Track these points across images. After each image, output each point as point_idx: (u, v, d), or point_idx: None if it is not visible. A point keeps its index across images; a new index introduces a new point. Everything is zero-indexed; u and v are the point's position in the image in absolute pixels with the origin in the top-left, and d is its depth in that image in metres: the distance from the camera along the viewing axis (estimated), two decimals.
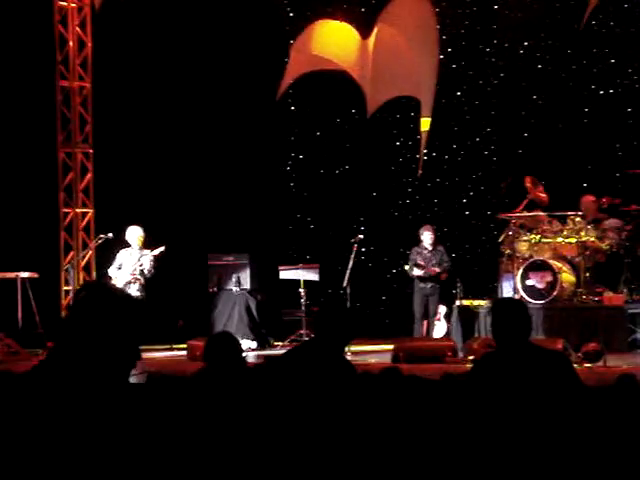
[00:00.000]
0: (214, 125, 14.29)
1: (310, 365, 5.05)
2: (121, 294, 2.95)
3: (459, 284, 12.70)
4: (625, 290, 12.32)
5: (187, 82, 14.05)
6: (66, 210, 13.52)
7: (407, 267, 12.42)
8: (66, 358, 2.75)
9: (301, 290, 13.12)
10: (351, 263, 12.11)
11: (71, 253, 13.43)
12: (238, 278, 13.07)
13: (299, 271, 13.23)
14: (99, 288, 2.94)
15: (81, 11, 13.59)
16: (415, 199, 14.77)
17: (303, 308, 13.05)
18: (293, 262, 13.53)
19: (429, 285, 12.30)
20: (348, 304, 11.32)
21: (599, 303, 12.15)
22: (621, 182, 13.37)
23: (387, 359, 10.93)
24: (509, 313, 5.26)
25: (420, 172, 14.07)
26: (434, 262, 12.30)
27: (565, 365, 5.28)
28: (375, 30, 13.05)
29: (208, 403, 5.12)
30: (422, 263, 12.23)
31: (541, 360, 5.18)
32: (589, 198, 12.69)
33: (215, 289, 13.20)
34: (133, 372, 2.97)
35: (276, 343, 13.02)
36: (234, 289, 13.08)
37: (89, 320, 2.77)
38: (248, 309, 13.02)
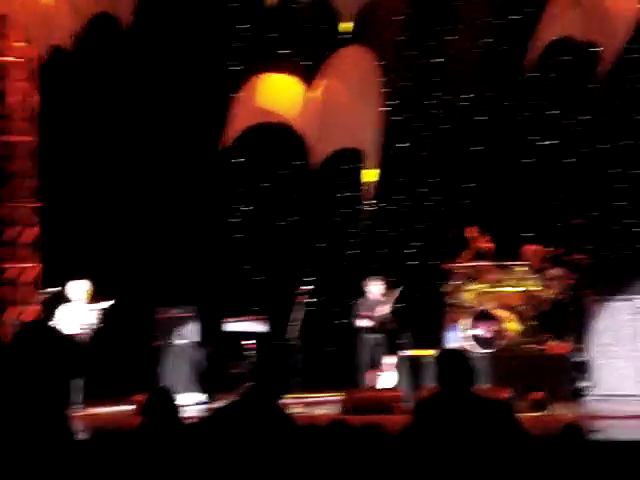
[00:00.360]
0: (159, 178, 14.26)
1: (244, 418, 5.05)
2: (60, 333, 2.94)
3: (407, 334, 12.73)
4: (570, 339, 12.44)
5: (133, 135, 14.04)
6: (9, 265, 13.36)
7: (353, 318, 12.44)
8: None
9: (245, 342, 13.02)
10: (300, 314, 12.08)
11: (17, 307, 13.26)
12: (185, 331, 12.97)
13: (245, 323, 13.15)
14: (38, 325, 2.93)
15: (28, 64, 13.52)
16: (362, 250, 14.82)
17: (248, 361, 12.95)
18: (240, 314, 13.44)
19: (375, 336, 12.29)
20: (298, 355, 11.34)
21: (544, 352, 12.24)
22: (563, 232, 13.54)
23: (336, 410, 10.92)
24: (452, 363, 5.32)
25: (365, 222, 14.12)
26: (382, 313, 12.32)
27: (508, 414, 5.31)
28: (319, 82, 13.13)
29: (145, 459, 5.09)
30: (366, 314, 12.23)
31: (484, 409, 5.22)
32: (533, 248, 12.83)
33: (162, 343, 13.09)
34: None
35: (223, 396, 12.89)
36: (181, 342, 12.97)
37: (26, 354, 2.74)
38: (196, 362, 12.92)
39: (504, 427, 5.18)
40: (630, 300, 11.86)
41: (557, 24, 11.35)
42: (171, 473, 5.00)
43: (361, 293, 12.58)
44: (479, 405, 5.25)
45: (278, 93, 13.21)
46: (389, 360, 12.45)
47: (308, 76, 13.37)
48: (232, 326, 13.23)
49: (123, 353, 13.13)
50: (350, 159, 13.99)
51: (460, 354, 5.68)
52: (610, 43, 11.28)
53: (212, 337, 13.41)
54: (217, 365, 13.23)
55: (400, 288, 12.12)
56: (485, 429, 5.11)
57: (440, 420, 5.19)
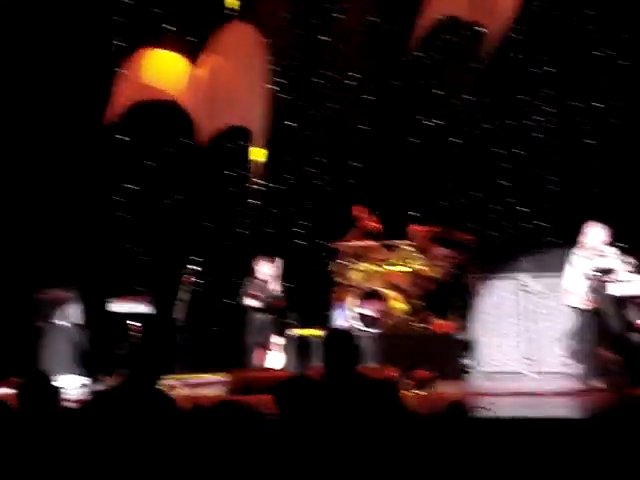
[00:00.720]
0: (41, 155, 13.89)
1: (125, 401, 4.93)
2: None
3: (294, 314, 12.70)
4: (454, 317, 12.58)
5: (14, 110, 13.63)
6: None
7: (241, 297, 12.33)
8: None
9: (131, 323, 12.80)
10: (186, 294, 11.92)
11: None
12: (66, 312, 12.69)
13: (130, 304, 12.92)
14: None
15: None
16: (250, 229, 14.72)
17: (134, 341, 12.73)
18: (124, 294, 13.20)
19: (263, 315, 12.21)
20: (184, 335, 11.21)
21: (429, 330, 12.35)
22: (448, 211, 13.67)
23: (222, 391, 10.82)
24: (339, 344, 5.30)
25: (253, 202, 14.03)
26: (270, 292, 12.24)
27: (392, 394, 5.31)
28: (204, 59, 12.96)
29: (20, 444, 4.93)
30: (257, 293, 12.14)
31: (369, 389, 5.22)
32: (418, 227, 12.92)
33: (42, 324, 12.78)
34: None
35: (106, 378, 12.66)
36: (62, 323, 12.69)
37: None
38: (77, 344, 12.65)
39: (389, 407, 5.17)
40: (514, 278, 12.01)
41: (442, 3, 11.41)
42: (48, 459, 4.84)
43: (250, 272, 12.47)
44: (364, 385, 5.24)
45: (163, 69, 12.99)
46: (277, 340, 12.41)
47: (194, 53, 13.19)
48: (117, 307, 13.00)
49: (2, 334, 12.78)
50: (238, 137, 13.87)
51: (346, 334, 5.67)
52: (494, 23, 11.38)
53: (96, 318, 13.16)
54: (101, 347, 12.98)
55: (278, 260, 12.03)
56: (370, 409, 5.09)
57: (325, 401, 5.15)
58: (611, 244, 10.47)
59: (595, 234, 10.40)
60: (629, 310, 10.23)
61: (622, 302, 9.90)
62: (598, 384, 10.04)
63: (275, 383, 5.29)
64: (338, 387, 5.20)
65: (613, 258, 10.26)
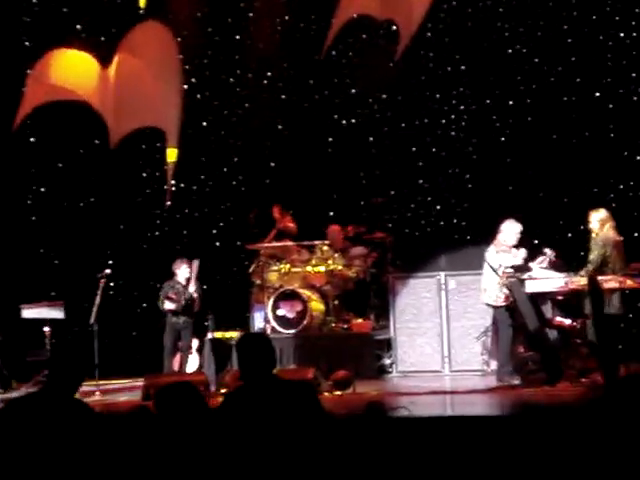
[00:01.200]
0: None
1: (40, 409, 4.79)
2: None
3: (211, 316, 12.58)
4: (372, 317, 12.58)
5: None
6: None
7: (160, 301, 12.15)
8: None
9: (45, 329, 12.54)
10: (98, 299, 11.69)
11: None
12: None
13: (43, 309, 12.65)
14: None
15: None
16: (165, 231, 14.53)
17: (48, 348, 12.47)
18: (36, 300, 12.91)
19: (181, 319, 12.03)
20: (95, 342, 11.01)
21: (348, 330, 12.34)
22: (365, 210, 13.67)
23: (138, 396, 10.64)
24: (253, 348, 5.24)
25: (168, 203, 13.86)
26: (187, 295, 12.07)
27: (310, 395, 5.25)
28: (115, 59, 12.76)
29: None
30: (175, 296, 11.96)
31: (286, 391, 5.16)
32: (335, 227, 12.90)
33: None
34: None
35: (20, 385, 12.38)
36: None
37: None
38: None
39: (307, 408, 5.11)
40: (432, 277, 12.05)
41: (355, 2, 11.39)
42: None
43: (167, 275, 12.27)
44: (281, 387, 5.18)
45: (73, 70, 12.75)
46: (193, 343, 12.27)
47: (105, 52, 12.97)
48: (29, 312, 12.72)
49: None
50: (153, 138, 13.69)
51: (260, 337, 5.62)
52: (407, 22, 11.40)
53: (8, 324, 12.86)
54: (14, 354, 12.69)
55: (197, 261, 11.88)
56: (288, 411, 5.03)
57: (246, 404, 5.08)
58: (525, 241, 10.55)
59: (510, 231, 10.47)
60: (545, 307, 10.32)
61: (538, 299, 9.97)
62: (516, 381, 10.10)
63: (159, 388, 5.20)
64: (254, 390, 5.13)
65: (524, 256, 10.35)
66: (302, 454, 4.91)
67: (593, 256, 9.49)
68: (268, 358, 5.26)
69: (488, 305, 10.60)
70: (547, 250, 10.07)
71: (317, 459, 4.95)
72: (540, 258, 10.07)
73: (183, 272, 11.93)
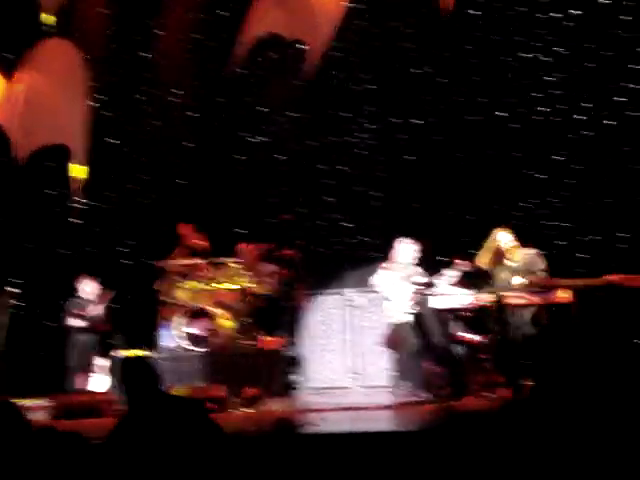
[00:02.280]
0: None
1: None
2: None
3: (118, 335, 12.46)
4: (282, 334, 12.60)
5: None
6: None
7: (66, 318, 12.01)
8: None
9: None
10: (5, 318, 11.52)
11: None
12: None
13: None
14: None
15: None
16: (71, 249, 14.36)
17: None
18: None
19: (87, 336, 11.90)
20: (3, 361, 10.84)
21: (258, 348, 12.32)
22: (274, 228, 13.69)
23: (44, 416, 10.48)
24: (135, 371, 5.30)
25: (74, 221, 13.70)
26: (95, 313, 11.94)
27: (200, 412, 5.30)
28: (20, 75, 12.58)
29: None
30: (80, 313, 11.84)
31: (177, 409, 5.20)
32: (244, 245, 12.89)
33: None
34: None
35: None
36: None
37: None
38: None
39: (198, 425, 5.14)
40: (340, 294, 12.12)
41: (263, 21, 11.44)
42: None
43: (72, 293, 12.14)
44: (171, 405, 5.22)
45: None
46: (101, 362, 12.13)
47: (9, 69, 12.79)
48: None
49: None
50: (59, 155, 13.53)
51: (141, 360, 5.68)
52: (315, 40, 11.48)
53: None
54: None
55: (113, 292, 11.81)
56: (179, 430, 5.06)
57: (137, 428, 5.09)
58: (421, 259, 10.71)
59: (404, 250, 10.63)
60: (450, 322, 10.47)
61: (443, 315, 10.12)
62: (423, 396, 10.22)
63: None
64: (142, 414, 5.15)
65: (420, 274, 10.51)
66: (196, 471, 4.92)
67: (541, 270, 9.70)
68: (151, 379, 5.31)
69: (391, 321, 10.70)
70: (459, 261, 10.23)
71: (216, 476, 4.96)
72: (451, 271, 10.21)
73: (86, 289, 11.83)
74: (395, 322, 10.61)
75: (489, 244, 10.05)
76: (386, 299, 10.60)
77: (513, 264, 9.89)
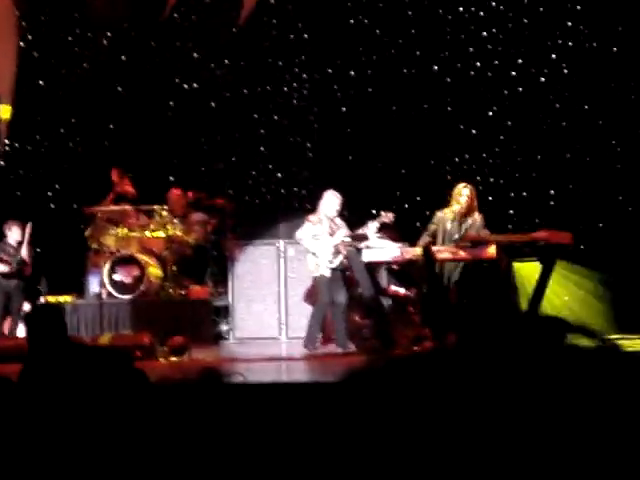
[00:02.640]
0: None
1: None
2: None
3: (43, 279, 12.31)
4: (210, 283, 12.56)
5: None
6: None
7: None
8: None
9: None
10: None
11: None
12: None
13: None
14: None
15: None
16: None
17: None
18: None
19: (13, 282, 11.72)
20: None
21: (185, 297, 12.27)
22: (205, 176, 13.59)
23: None
24: (44, 319, 5.33)
25: (1, 163, 13.45)
26: (19, 257, 11.73)
27: (122, 361, 5.27)
28: None
29: None
30: (6, 258, 11.64)
31: (83, 360, 5.21)
32: (176, 192, 12.78)
33: None
34: None
35: None
36: None
37: None
38: None
39: (113, 376, 5.10)
40: (271, 245, 12.10)
41: None
42: None
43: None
44: (78, 356, 5.22)
45: None
46: (25, 307, 11.99)
47: None
48: None
49: None
50: None
51: (52, 308, 5.70)
52: None
53: None
54: None
55: (29, 224, 11.58)
56: (87, 379, 5.04)
57: (46, 375, 5.08)
58: (349, 210, 10.72)
59: (329, 202, 10.56)
60: (380, 275, 10.50)
61: (373, 267, 10.14)
62: (351, 348, 10.26)
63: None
64: (45, 362, 5.13)
65: (341, 226, 10.48)
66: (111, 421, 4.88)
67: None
68: (58, 328, 5.32)
69: (317, 273, 10.66)
70: (382, 213, 10.20)
71: (134, 426, 4.91)
72: (374, 222, 10.17)
73: (14, 234, 11.62)
74: (316, 275, 10.56)
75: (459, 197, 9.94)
76: (309, 252, 10.56)
77: (465, 224, 9.87)
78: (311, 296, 11.22)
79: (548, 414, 3.51)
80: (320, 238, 10.39)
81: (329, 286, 10.40)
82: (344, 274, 10.47)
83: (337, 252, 10.32)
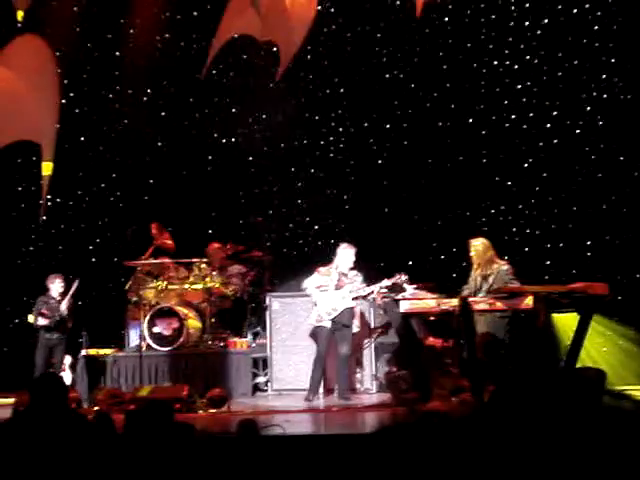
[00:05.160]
0: None
1: None
2: None
3: (84, 333, 12.42)
4: (249, 335, 12.62)
5: None
6: None
7: (31, 317, 11.92)
8: None
9: None
10: None
11: None
12: None
13: None
14: None
15: None
16: (38, 246, 14.30)
17: None
18: None
19: (55, 335, 11.84)
20: None
21: (224, 348, 12.32)
22: (243, 229, 13.72)
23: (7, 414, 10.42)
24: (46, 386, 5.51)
25: (42, 218, 13.64)
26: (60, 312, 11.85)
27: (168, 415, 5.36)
28: None
29: None
30: (47, 312, 11.77)
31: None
32: (214, 245, 12.91)
33: None
34: None
35: None
36: None
37: None
38: None
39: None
40: (307, 296, 12.14)
41: (237, 22, 11.43)
42: None
43: (41, 291, 12.06)
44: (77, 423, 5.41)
45: None
46: (66, 360, 12.10)
47: None
48: None
49: None
50: (28, 151, 13.47)
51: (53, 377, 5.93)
52: (287, 44, 11.51)
53: None
54: None
55: (77, 280, 11.73)
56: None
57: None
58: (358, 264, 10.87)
59: (344, 255, 10.76)
60: (416, 326, 10.50)
61: (410, 318, 10.15)
62: (389, 399, 10.26)
63: None
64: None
65: (355, 280, 10.65)
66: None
67: (492, 284, 9.76)
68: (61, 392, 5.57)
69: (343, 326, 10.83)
70: (397, 274, 10.41)
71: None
72: (385, 281, 10.40)
73: (56, 287, 11.76)
74: (317, 326, 10.79)
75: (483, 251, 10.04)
76: (313, 302, 10.83)
77: (490, 277, 9.93)
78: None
79: (583, 469, 3.54)
80: (326, 289, 10.64)
81: (328, 337, 10.70)
82: (347, 327, 10.67)
83: (338, 305, 10.59)
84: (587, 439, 3.99)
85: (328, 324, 10.76)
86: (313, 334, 11.20)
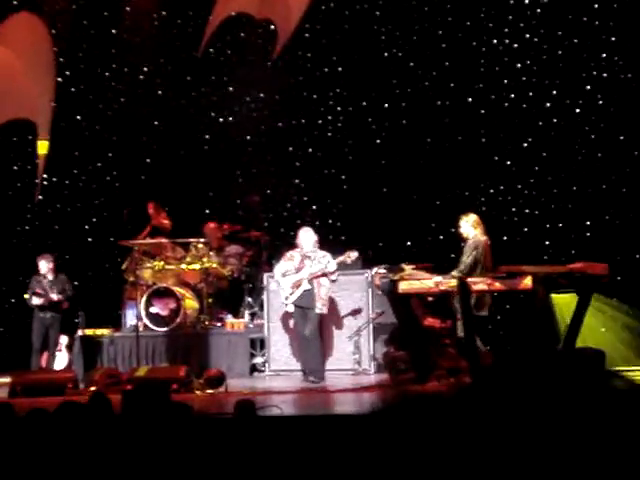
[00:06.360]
0: None
1: None
2: None
3: (81, 313, 12.39)
4: (246, 315, 12.58)
5: None
6: None
7: (26, 296, 11.89)
8: None
9: None
10: None
11: None
12: None
13: None
14: None
15: None
16: (34, 225, 14.23)
17: None
18: None
19: (49, 315, 11.80)
20: None
21: (221, 329, 12.29)
22: (241, 209, 13.66)
23: (4, 394, 10.40)
24: None
25: (38, 197, 13.59)
26: (55, 290, 11.81)
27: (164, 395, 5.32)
28: None
29: None
30: (41, 291, 11.73)
31: None
32: (211, 225, 12.86)
33: None
34: None
35: None
36: None
37: None
38: None
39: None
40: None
41: (234, 1, 11.36)
42: None
43: (35, 270, 12.02)
44: None
45: None
46: (63, 340, 12.08)
47: None
48: None
49: None
50: (24, 130, 13.41)
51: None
52: (284, 22, 11.44)
53: None
54: None
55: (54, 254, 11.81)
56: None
57: None
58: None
59: (304, 238, 10.80)
60: (415, 307, 10.45)
61: (408, 299, 10.09)
62: (384, 380, 10.22)
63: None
64: None
65: (320, 261, 10.65)
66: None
67: (465, 258, 9.66)
68: None
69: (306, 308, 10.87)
70: (348, 251, 10.49)
71: (181, 458, 4.93)
72: (340, 257, 10.47)
73: (42, 266, 11.75)
74: (286, 310, 11.05)
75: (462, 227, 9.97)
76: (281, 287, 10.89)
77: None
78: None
79: (581, 445, 3.49)
80: (288, 274, 10.69)
81: (296, 320, 10.95)
82: (309, 309, 10.75)
83: (296, 287, 10.62)
84: (586, 420, 3.96)
85: (291, 308, 10.87)
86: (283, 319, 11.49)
